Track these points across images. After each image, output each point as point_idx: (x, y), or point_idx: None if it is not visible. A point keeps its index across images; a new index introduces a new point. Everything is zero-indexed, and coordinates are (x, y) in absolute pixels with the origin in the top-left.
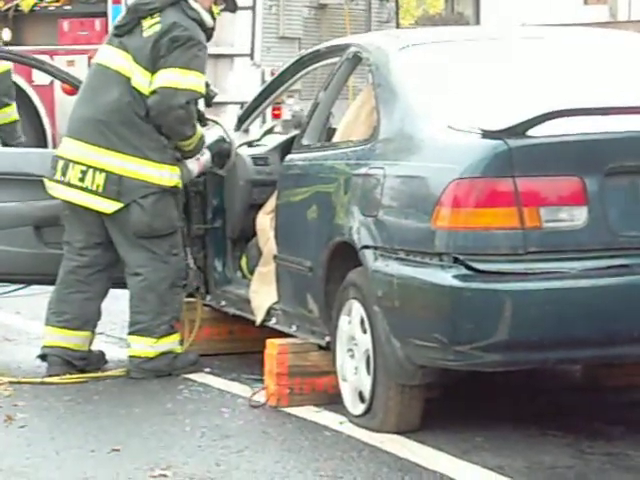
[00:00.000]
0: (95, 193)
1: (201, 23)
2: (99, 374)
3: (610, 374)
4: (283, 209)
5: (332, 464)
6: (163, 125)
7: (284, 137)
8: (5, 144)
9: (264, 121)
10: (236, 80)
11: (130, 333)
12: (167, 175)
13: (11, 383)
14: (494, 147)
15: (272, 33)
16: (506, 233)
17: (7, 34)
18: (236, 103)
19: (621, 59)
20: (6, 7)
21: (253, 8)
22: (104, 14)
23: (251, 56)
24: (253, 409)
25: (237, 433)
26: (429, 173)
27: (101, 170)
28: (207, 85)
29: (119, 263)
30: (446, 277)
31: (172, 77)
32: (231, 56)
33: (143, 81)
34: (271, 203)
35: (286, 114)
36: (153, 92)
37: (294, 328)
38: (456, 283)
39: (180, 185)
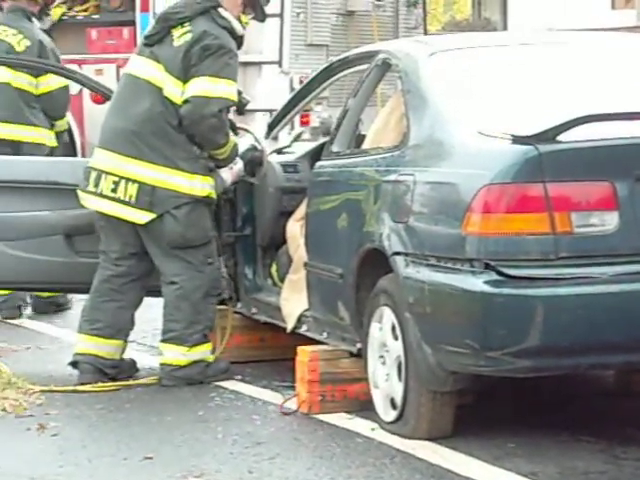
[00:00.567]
0: (128, 204)
1: (231, 31)
2: (131, 382)
3: None
4: (313, 216)
5: (364, 471)
6: (196, 134)
7: (313, 144)
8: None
9: (292, 128)
10: (264, 88)
11: (163, 341)
12: (198, 185)
13: (43, 392)
14: (524, 152)
15: (300, 40)
16: (537, 238)
17: None
18: (265, 111)
19: None
20: None
21: (281, 15)
22: (132, 23)
23: (279, 63)
24: (284, 416)
25: (269, 440)
26: (459, 179)
27: (133, 181)
28: (239, 93)
29: (153, 272)
30: (477, 283)
31: (204, 86)
32: (259, 64)
33: (175, 91)
34: (301, 210)
35: (314, 121)
36: (186, 101)
37: (325, 335)
38: (487, 289)
39: (213, 195)
